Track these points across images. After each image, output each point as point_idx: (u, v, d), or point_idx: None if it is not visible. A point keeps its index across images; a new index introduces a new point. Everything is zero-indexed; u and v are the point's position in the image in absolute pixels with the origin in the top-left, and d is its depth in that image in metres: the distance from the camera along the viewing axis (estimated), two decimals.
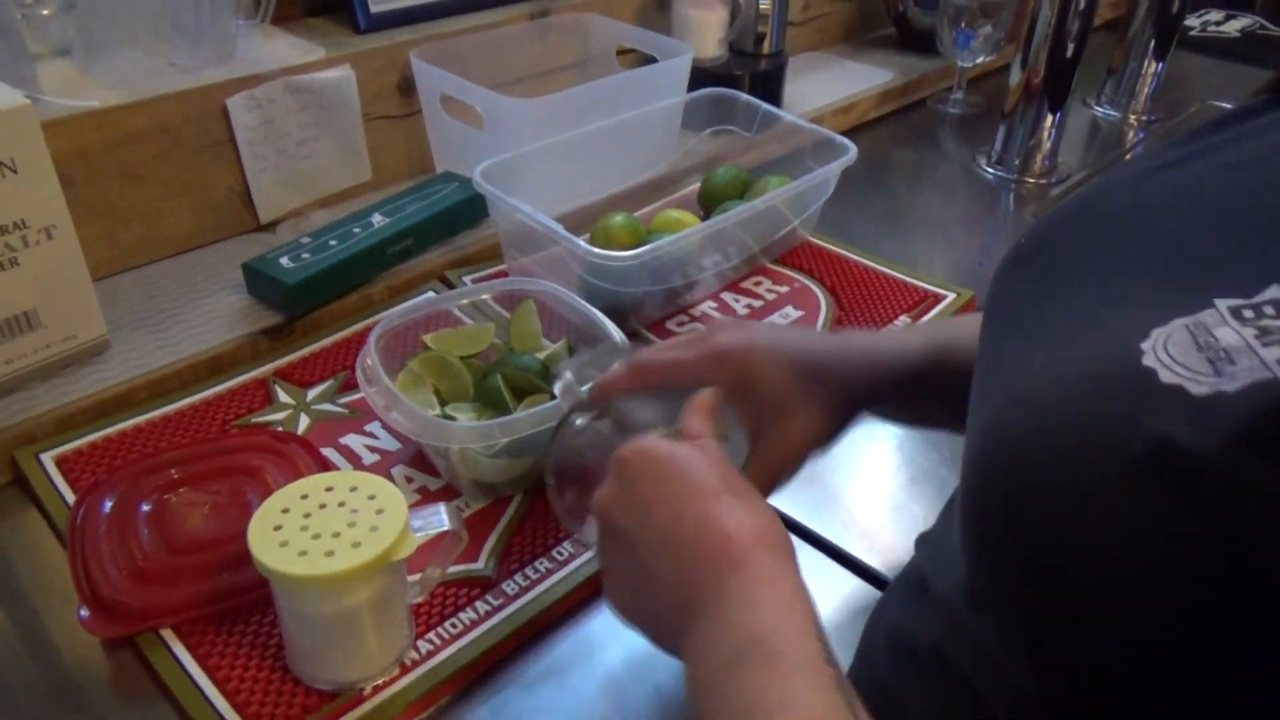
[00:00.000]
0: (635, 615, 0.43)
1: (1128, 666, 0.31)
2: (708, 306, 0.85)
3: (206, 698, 0.51)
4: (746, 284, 0.88)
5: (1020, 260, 0.43)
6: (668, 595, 0.39)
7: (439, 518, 0.52)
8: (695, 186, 0.98)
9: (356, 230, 0.83)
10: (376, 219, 0.84)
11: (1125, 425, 0.28)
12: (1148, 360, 0.29)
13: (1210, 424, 0.26)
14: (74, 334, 0.71)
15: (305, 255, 0.79)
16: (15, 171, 0.64)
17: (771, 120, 0.98)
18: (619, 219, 0.85)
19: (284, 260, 0.78)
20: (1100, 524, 0.29)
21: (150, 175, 0.82)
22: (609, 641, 0.57)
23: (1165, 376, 0.28)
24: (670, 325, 0.82)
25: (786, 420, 0.49)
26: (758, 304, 0.85)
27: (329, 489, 0.50)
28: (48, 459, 0.66)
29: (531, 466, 0.63)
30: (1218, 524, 0.26)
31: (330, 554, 0.47)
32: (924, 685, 0.44)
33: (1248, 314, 0.29)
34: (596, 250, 0.73)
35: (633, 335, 0.65)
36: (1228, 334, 0.28)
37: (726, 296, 0.86)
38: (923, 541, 0.51)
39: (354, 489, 0.50)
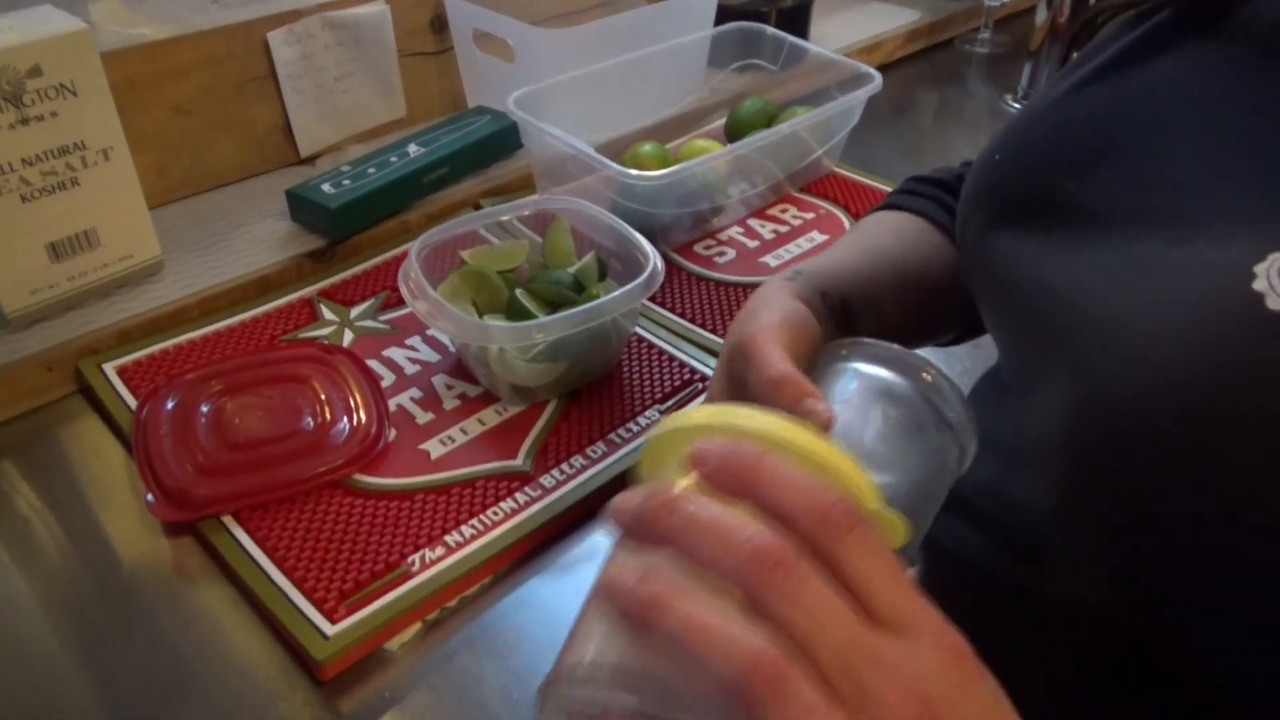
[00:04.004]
0: None
1: (1238, 608, 0.31)
2: (735, 231, 0.87)
3: (267, 574, 0.55)
4: (773, 211, 0.90)
5: (999, 197, 0.42)
6: None
7: None
8: (722, 121, 1.00)
9: (394, 159, 0.86)
10: (413, 149, 0.87)
11: (1256, 376, 0.28)
12: (1272, 302, 0.28)
13: None
14: (130, 254, 0.74)
15: (346, 182, 0.82)
16: (75, 94, 0.67)
17: (798, 55, 0.99)
18: (647, 147, 0.87)
19: (325, 186, 0.81)
20: (1240, 474, 0.29)
21: (197, 108, 0.85)
22: None
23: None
24: (698, 249, 0.84)
25: None
26: (784, 229, 0.87)
27: None
28: (110, 368, 0.69)
29: (566, 371, 0.65)
30: None
31: None
32: (995, 611, 0.44)
33: None
34: (627, 170, 0.75)
35: (662, 257, 0.67)
36: None
37: (753, 222, 0.88)
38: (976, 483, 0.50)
39: None
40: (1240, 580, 0.31)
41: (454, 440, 0.64)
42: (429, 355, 0.71)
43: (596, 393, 0.68)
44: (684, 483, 0.30)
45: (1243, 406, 0.28)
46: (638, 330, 0.73)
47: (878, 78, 0.90)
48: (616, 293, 0.62)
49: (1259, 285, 0.29)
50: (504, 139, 0.91)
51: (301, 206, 0.82)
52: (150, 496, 0.58)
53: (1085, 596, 0.38)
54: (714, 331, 0.74)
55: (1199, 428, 0.29)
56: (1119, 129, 0.38)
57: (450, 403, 0.67)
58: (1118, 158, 0.37)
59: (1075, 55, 0.45)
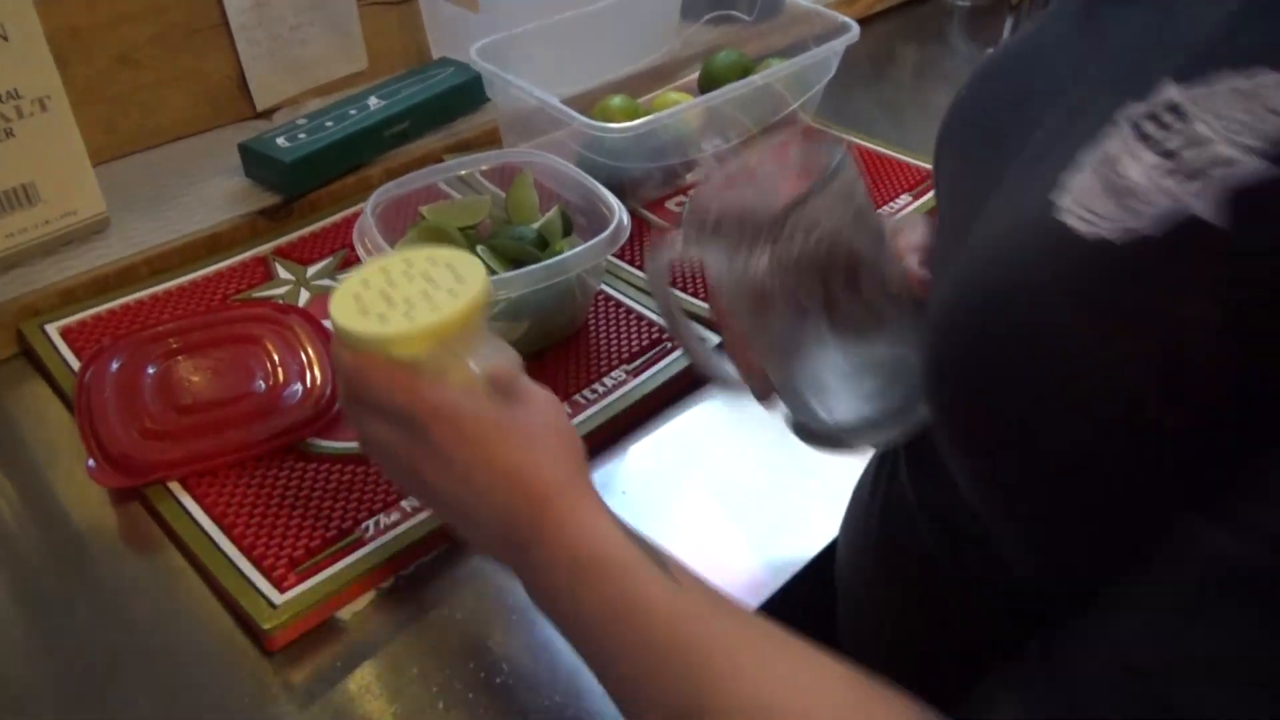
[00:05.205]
0: (463, 533, 0.45)
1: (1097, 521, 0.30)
2: None
3: (214, 542, 0.52)
4: None
5: (953, 132, 0.44)
6: (489, 532, 0.43)
7: None
8: (696, 75, 0.96)
9: (353, 112, 0.82)
10: (373, 101, 0.84)
11: (1048, 292, 0.29)
12: (1068, 220, 0.29)
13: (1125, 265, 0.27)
14: (74, 210, 0.71)
15: (301, 135, 0.79)
16: (6, 39, 0.63)
17: (774, 6, 0.96)
18: (617, 100, 0.84)
19: (280, 140, 0.78)
20: (1033, 396, 0.29)
21: (145, 59, 0.82)
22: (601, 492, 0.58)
23: (1078, 226, 0.28)
24: (670, 205, 0.81)
25: None
26: None
27: (408, 263, 0.46)
28: (52, 329, 0.66)
29: (529, 330, 0.63)
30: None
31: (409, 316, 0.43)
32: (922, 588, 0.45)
33: (1149, 127, 0.28)
34: (594, 122, 0.72)
35: (631, 214, 0.65)
36: (1134, 170, 0.27)
37: None
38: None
39: (433, 261, 0.47)
40: (1052, 509, 0.31)
41: None
42: None
43: (562, 353, 0.66)
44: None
45: (1033, 324, 0.29)
46: (606, 288, 0.71)
47: (855, 27, 0.87)
48: (580, 248, 0.60)
49: (1058, 197, 0.29)
50: (469, 92, 0.88)
51: (255, 161, 0.78)
52: (91, 462, 0.56)
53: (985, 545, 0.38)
54: (685, 289, 0.72)
55: (1005, 347, 0.30)
56: (1039, 67, 0.40)
57: None
58: (1032, 95, 0.39)
59: None
